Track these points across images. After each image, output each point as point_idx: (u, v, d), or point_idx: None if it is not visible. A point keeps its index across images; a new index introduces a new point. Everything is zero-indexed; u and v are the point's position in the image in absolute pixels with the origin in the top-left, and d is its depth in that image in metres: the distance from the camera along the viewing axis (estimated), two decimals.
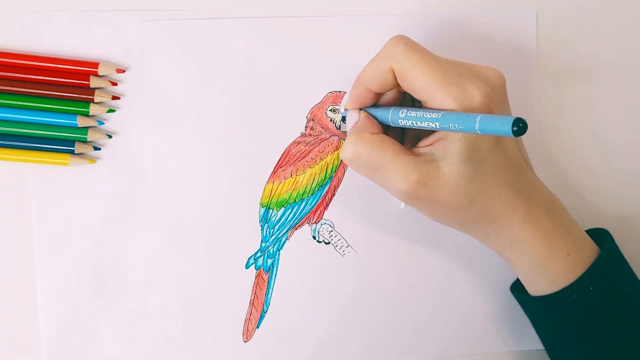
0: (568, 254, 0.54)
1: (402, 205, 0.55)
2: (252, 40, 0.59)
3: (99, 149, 0.58)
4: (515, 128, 0.43)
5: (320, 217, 0.59)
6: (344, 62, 0.59)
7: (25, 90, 0.57)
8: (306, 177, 0.59)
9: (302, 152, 0.59)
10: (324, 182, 0.59)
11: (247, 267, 0.59)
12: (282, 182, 0.59)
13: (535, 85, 0.60)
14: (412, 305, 0.61)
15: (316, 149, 0.59)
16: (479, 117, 0.46)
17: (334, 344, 0.60)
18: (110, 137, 0.58)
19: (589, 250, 0.55)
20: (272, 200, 0.59)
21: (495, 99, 0.51)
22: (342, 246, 0.60)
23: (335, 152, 0.59)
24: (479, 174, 0.51)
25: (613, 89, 0.61)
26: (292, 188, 0.59)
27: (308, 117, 0.59)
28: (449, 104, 0.49)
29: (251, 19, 0.59)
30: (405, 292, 0.60)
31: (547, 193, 0.55)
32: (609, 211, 0.62)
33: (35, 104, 0.57)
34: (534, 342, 0.62)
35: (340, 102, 0.59)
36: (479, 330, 0.61)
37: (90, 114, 0.58)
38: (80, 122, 0.57)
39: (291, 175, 0.59)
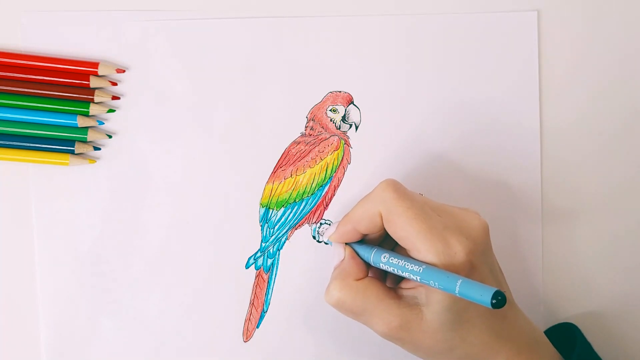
0: None
1: None
2: (252, 40, 0.59)
3: (99, 149, 0.58)
4: (494, 301, 0.45)
5: (320, 217, 0.59)
6: (344, 62, 0.59)
7: (25, 90, 0.57)
8: (306, 177, 0.59)
9: (302, 152, 0.59)
10: (324, 182, 0.59)
11: (247, 267, 0.59)
12: (282, 182, 0.59)
13: (537, 86, 0.60)
14: None
15: (316, 149, 0.59)
16: (459, 281, 0.47)
17: (334, 344, 0.60)
18: (110, 137, 0.58)
19: None
20: (272, 200, 0.59)
21: (478, 253, 0.51)
22: None
23: (335, 152, 0.59)
24: (461, 322, 0.51)
25: (614, 89, 0.61)
26: (292, 188, 0.59)
27: (308, 117, 0.59)
28: (431, 258, 0.50)
29: (251, 19, 0.59)
30: None
31: (529, 330, 0.54)
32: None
33: (35, 104, 0.57)
34: None
35: (339, 102, 0.59)
36: None
37: (90, 114, 0.58)
38: (80, 122, 0.57)
39: (291, 175, 0.59)
